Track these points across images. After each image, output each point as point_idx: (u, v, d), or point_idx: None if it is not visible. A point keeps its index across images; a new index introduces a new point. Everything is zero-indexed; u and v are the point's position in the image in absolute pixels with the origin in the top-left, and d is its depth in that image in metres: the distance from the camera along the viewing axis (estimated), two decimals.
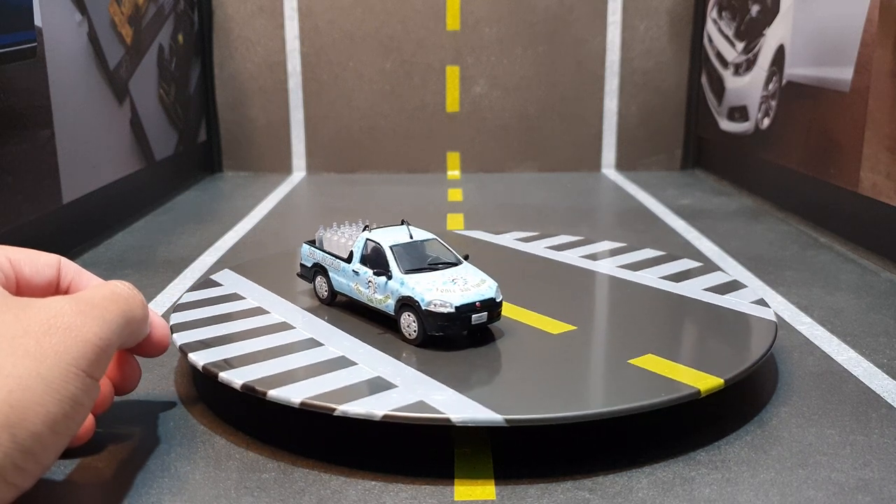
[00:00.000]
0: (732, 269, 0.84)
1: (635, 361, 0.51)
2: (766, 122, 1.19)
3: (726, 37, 1.35)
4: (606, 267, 0.73)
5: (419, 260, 0.57)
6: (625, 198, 1.24)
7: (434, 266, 0.57)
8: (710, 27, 1.41)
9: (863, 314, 0.70)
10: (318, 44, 1.44)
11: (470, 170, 1.49)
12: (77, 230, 0.94)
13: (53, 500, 0.42)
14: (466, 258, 0.59)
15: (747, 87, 1.26)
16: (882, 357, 0.61)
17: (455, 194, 1.27)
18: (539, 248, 0.80)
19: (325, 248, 0.63)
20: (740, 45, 1.29)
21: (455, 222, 1.06)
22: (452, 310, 0.53)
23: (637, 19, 1.45)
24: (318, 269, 0.63)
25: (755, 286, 0.78)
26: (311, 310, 0.62)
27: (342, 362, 0.51)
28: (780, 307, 0.72)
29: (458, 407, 0.45)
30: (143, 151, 1.16)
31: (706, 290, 0.66)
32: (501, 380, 0.50)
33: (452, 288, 0.54)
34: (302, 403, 0.45)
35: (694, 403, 0.51)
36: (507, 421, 0.43)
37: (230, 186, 1.36)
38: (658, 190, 1.30)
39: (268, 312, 0.61)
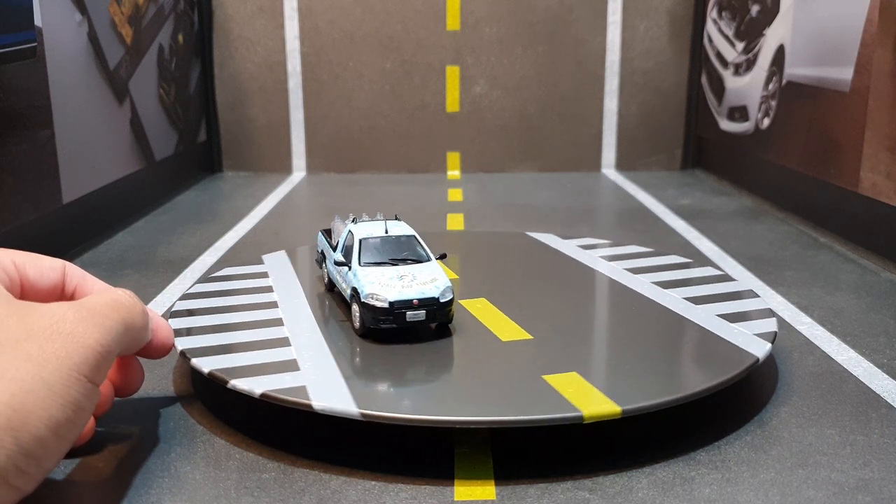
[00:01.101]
0: (732, 269, 0.84)
1: (549, 378, 0.48)
2: (766, 122, 1.19)
3: (726, 37, 1.35)
4: (635, 281, 0.68)
5: (384, 254, 0.58)
6: (625, 198, 1.24)
7: (396, 261, 0.58)
8: (710, 27, 1.41)
9: (863, 314, 0.70)
10: (318, 44, 1.44)
11: (470, 170, 1.49)
12: (77, 230, 0.94)
13: (54, 500, 0.42)
14: (442, 257, 0.60)
15: (747, 87, 1.26)
16: (882, 357, 0.61)
17: (455, 194, 1.27)
18: (592, 255, 0.76)
19: (332, 237, 0.66)
20: (740, 45, 1.29)
21: (455, 222, 1.06)
22: (387, 304, 0.54)
23: (637, 19, 1.45)
24: (323, 257, 0.67)
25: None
26: (314, 298, 0.64)
27: (283, 343, 0.54)
28: (780, 307, 0.72)
29: (329, 396, 0.46)
30: (143, 151, 1.16)
31: (719, 315, 0.60)
32: (400, 377, 0.50)
33: (395, 284, 0.55)
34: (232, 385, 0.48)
35: (694, 404, 0.51)
36: (363, 415, 0.44)
37: (230, 186, 1.36)
38: (658, 190, 1.30)
39: (271, 305, 0.63)
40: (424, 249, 0.60)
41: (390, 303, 0.54)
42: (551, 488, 0.43)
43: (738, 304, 0.62)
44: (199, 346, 0.54)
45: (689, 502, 0.41)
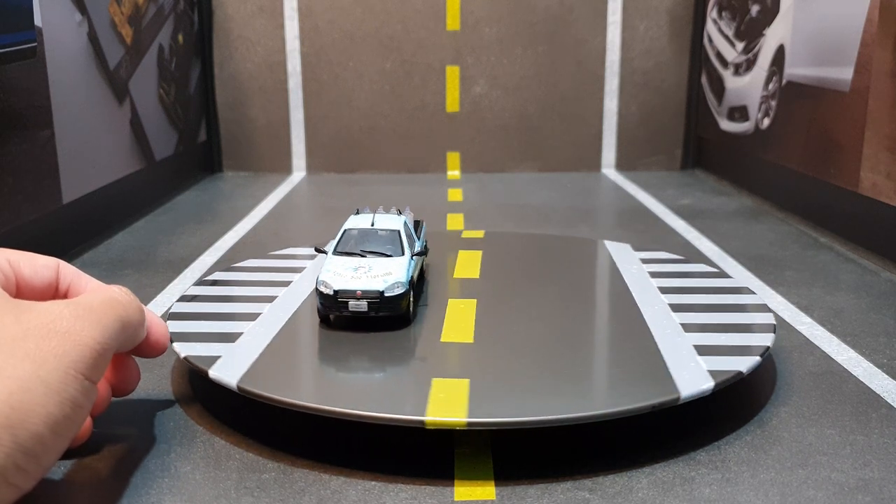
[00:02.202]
0: (732, 269, 0.84)
1: (437, 380, 0.48)
2: (766, 122, 1.19)
3: (726, 37, 1.35)
4: (651, 298, 0.64)
5: (359, 245, 0.61)
6: (625, 198, 1.24)
7: (366, 253, 0.60)
8: (710, 27, 1.41)
9: (863, 314, 0.70)
10: (318, 44, 1.44)
11: (470, 170, 1.49)
12: (77, 230, 0.94)
13: (53, 500, 0.42)
14: (422, 253, 0.63)
15: (747, 87, 1.26)
16: (882, 357, 0.61)
17: (455, 194, 1.27)
18: (640, 269, 0.72)
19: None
20: (740, 45, 1.29)
21: (455, 222, 1.06)
22: (331, 292, 0.56)
23: (637, 19, 1.45)
24: None
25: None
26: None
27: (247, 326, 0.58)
28: (780, 307, 0.72)
29: (226, 369, 0.50)
30: (143, 151, 1.16)
31: (698, 345, 0.54)
32: (288, 359, 0.52)
33: (347, 274, 0.57)
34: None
35: (695, 403, 0.51)
36: (239, 388, 0.48)
37: (230, 186, 1.36)
38: (658, 190, 1.30)
39: (268, 299, 0.64)
40: (402, 244, 0.61)
41: (335, 291, 0.56)
42: (551, 488, 0.43)
43: (738, 329, 0.57)
44: (180, 331, 0.57)
45: (689, 502, 0.41)
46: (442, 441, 0.48)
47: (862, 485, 0.43)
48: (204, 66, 1.44)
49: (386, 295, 0.56)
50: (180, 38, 1.32)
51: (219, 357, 0.52)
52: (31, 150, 0.83)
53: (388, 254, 0.60)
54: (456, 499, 0.42)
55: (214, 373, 0.49)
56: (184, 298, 0.64)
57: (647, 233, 1.00)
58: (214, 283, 0.69)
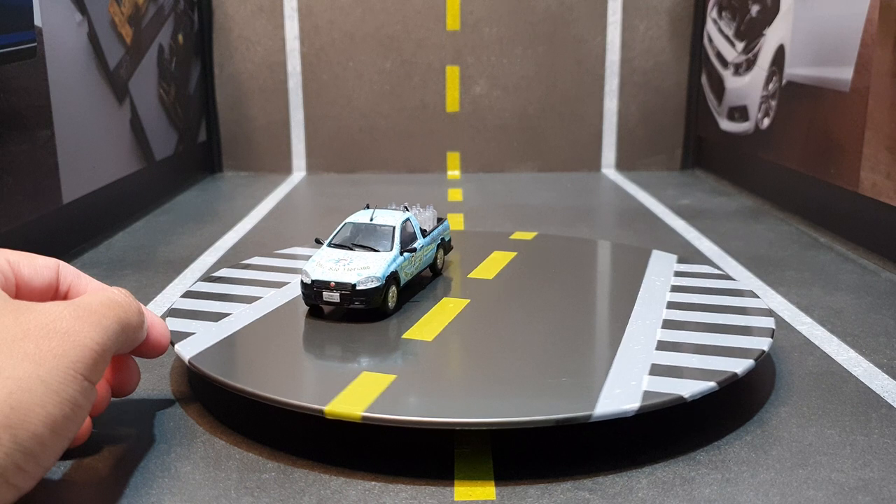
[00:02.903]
0: (732, 269, 0.84)
1: (366, 374, 0.50)
2: (766, 122, 1.19)
3: (726, 37, 1.35)
4: (652, 309, 0.62)
5: (351, 239, 0.63)
6: (625, 198, 1.24)
7: (356, 246, 0.62)
8: (710, 27, 1.41)
9: (863, 314, 0.70)
10: (318, 44, 1.44)
11: (470, 170, 1.49)
12: (77, 230, 0.94)
13: (53, 500, 0.42)
14: (412, 251, 0.63)
15: (747, 87, 1.26)
16: (882, 357, 0.61)
17: (455, 194, 1.27)
18: (665, 281, 0.69)
19: None
20: (740, 45, 1.29)
21: (455, 222, 1.06)
22: (308, 282, 0.59)
23: (637, 19, 1.45)
24: None
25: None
26: None
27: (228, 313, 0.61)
28: (780, 307, 0.72)
29: (188, 346, 0.53)
30: (143, 151, 1.16)
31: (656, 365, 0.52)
32: (255, 349, 0.55)
33: (328, 265, 0.60)
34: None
35: (695, 403, 0.51)
36: (189, 364, 0.51)
37: (230, 186, 1.36)
38: (658, 190, 1.30)
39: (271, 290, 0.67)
40: (394, 240, 0.63)
41: (312, 281, 0.59)
42: (551, 488, 0.43)
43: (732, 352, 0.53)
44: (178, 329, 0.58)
45: (689, 502, 0.41)
46: (442, 441, 0.48)
47: (862, 485, 0.43)
48: (204, 66, 1.44)
49: (358, 288, 0.58)
50: (180, 38, 1.32)
51: (192, 334, 0.56)
52: (31, 150, 0.83)
53: (376, 248, 0.62)
54: (456, 499, 0.42)
55: (179, 347, 0.53)
56: (188, 294, 0.65)
57: (647, 233, 1.00)
58: (219, 278, 0.70)
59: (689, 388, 0.47)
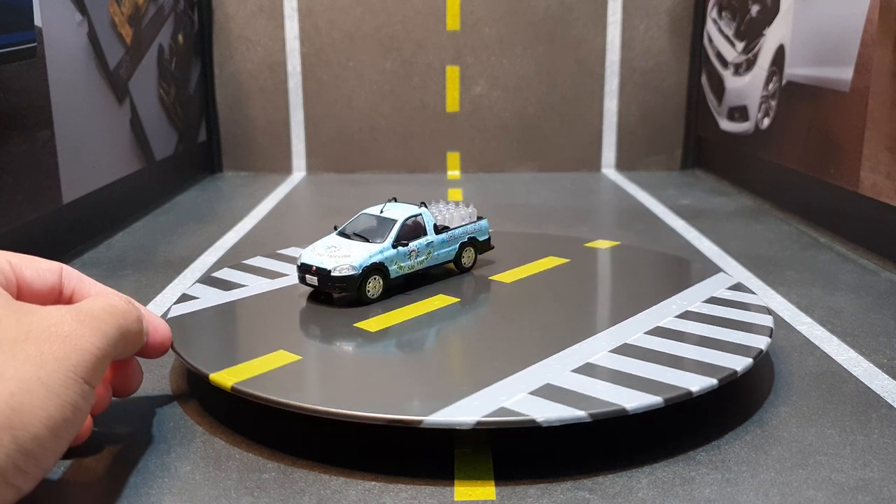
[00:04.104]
0: (732, 269, 0.84)
1: (274, 353, 0.53)
2: (766, 122, 1.19)
3: (726, 37, 1.35)
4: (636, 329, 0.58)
5: (355, 228, 0.67)
6: (625, 198, 1.24)
7: (356, 236, 0.66)
8: (710, 27, 1.41)
9: (863, 314, 0.70)
10: (318, 44, 1.44)
11: (470, 170, 1.49)
12: (77, 230, 0.94)
13: (53, 500, 0.42)
14: (405, 244, 0.65)
15: (747, 87, 1.26)
16: (882, 357, 0.61)
17: (455, 194, 1.27)
18: (681, 306, 0.62)
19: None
20: (740, 45, 1.29)
21: None
22: (298, 264, 0.64)
23: (637, 19, 1.45)
24: None
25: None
26: None
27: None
28: (780, 307, 0.72)
29: (187, 343, 0.55)
30: (143, 151, 1.16)
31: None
32: (205, 323, 0.59)
33: (319, 250, 0.64)
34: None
35: (693, 402, 0.51)
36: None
37: (230, 186, 1.36)
38: (658, 190, 1.30)
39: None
40: (390, 234, 0.65)
41: (300, 263, 0.63)
42: (551, 488, 0.43)
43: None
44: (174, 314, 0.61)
45: (689, 502, 0.41)
46: (442, 441, 0.48)
47: (862, 485, 0.43)
48: (204, 66, 1.44)
49: (332, 274, 0.62)
50: (180, 38, 1.32)
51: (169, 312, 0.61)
52: (31, 150, 0.83)
53: (370, 239, 0.65)
54: (456, 499, 0.42)
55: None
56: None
57: (647, 233, 1.00)
58: (217, 279, 0.71)
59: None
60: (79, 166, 0.94)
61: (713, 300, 0.63)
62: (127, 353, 0.46)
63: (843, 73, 0.95)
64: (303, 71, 1.45)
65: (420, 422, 0.43)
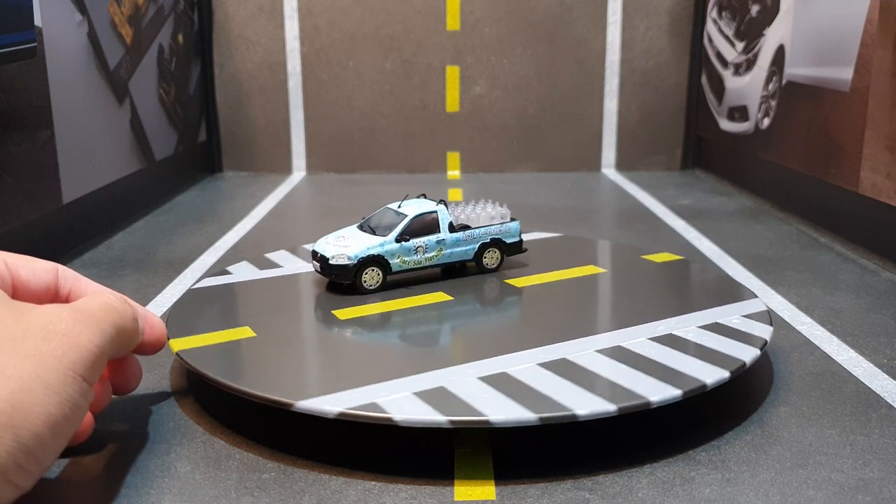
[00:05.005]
0: (732, 269, 0.84)
1: (236, 329, 0.57)
2: (766, 122, 1.19)
3: (726, 37, 1.35)
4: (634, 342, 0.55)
5: (371, 222, 0.69)
6: (625, 198, 1.24)
7: (369, 229, 0.68)
8: (710, 27, 1.41)
9: (863, 314, 0.70)
10: (318, 44, 1.44)
11: (470, 170, 1.49)
12: (77, 230, 0.94)
13: (53, 500, 0.42)
14: (407, 239, 0.67)
15: (747, 87, 1.26)
16: (882, 357, 0.61)
17: (455, 194, 1.27)
18: (668, 328, 0.58)
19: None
20: (740, 45, 1.29)
21: None
22: (311, 251, 0.68)
23: (637, 19, 1.45)
24: None
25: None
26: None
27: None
28: (780, 307, 0.72)
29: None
30: (143, 151, 1.16)
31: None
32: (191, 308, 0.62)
33: (329, 239, 0.67)
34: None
35: (696, 404, 0.51)
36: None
37: (230, 186, 1.36)
38: (658, 190, 1.30)
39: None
40: (398, 228, 0.67)
41: (312, 251, 0.68)
42: (551, 488, 0.43)
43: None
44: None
45: (689, 502, 0.41)
46: (442, 441, 0.48)
47: (862, 485, 0.43)
48: (204, 66, 1.44)
49: (329, 262, 0.65)
50: (180, 38, 1.32)
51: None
52: (31, 150, 0.83)
53: (377, 233, 0.67)
54: (456, 499, 0.42)
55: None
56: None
57: (647, 233, 1.00)
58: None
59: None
60: (79, 166, 0.94)
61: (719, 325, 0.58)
62: (124, 350, 0.46)
63: (843, 73, 0.95)
64: (303, 71, 1.45)
65: (291, 405, 0.46)
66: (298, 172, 1.49)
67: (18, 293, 0.45)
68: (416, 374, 0.49)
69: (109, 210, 1.03)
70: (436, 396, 0.46)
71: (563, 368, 0.50)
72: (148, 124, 1.18)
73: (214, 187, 1.35)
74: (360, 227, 0.69)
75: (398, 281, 0.68)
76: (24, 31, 0.82)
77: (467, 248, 0.70)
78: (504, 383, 0.48)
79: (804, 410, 0.52)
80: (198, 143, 1.42)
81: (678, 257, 0.77)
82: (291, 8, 1.43)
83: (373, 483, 0.43)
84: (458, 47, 1.45)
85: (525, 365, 0.51)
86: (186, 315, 0.60)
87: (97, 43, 1.01)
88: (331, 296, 0.65)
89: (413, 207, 0.68)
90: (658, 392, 0.46)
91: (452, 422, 0.43)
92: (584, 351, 0.53)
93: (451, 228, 0.69)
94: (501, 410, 0.44)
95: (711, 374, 0.49)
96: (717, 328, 0.57)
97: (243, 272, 0.72)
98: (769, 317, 0.59)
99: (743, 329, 0.57)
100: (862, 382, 0.56)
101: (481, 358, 0.52)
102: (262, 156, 1.49)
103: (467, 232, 0.70)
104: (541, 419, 0.44)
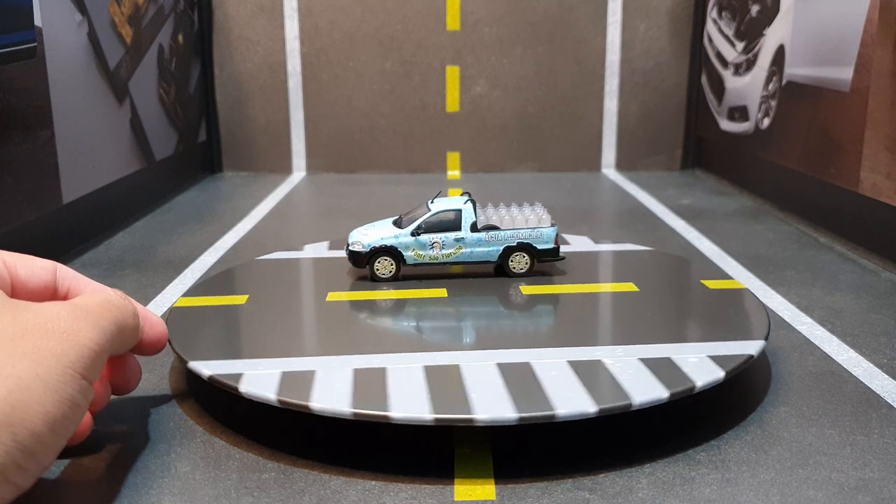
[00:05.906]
0: (732, 269, 0.84)
1: (235, 297, 0.63)
2: (766, 122, 1.19)
3: (726, 37, 1.35)
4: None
5: (409, 216, 0.71)
6: (625, 198, 1.24)
7: (398, 223, 0.71)
8: (710, 27, 1.41)
9: (863, 314, 0.70)
10: (318, 44, 1.44)
11: (470, 170, 1.49)
12: (77, 230, 0.94)
13: (53, 499, 0.42)
14: (417, 234, 0.68)
15: (747, 87, 1.26)
16: (882, 357, 0.61)
17: (455, 194, 1.27)
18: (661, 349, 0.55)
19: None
20: (740, 45, 1.29)
21: None
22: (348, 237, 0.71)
23: (637, 19, 1.45)
24: None
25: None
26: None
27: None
28: (780, 307, 0.72)
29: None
30: (143, 151, 1.16)
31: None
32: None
33: (362, 229, 0.71)
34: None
35: (693, 402, 0.51)
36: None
37: (230, 186, 1.36)
38: (658, 190, 1.30)
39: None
40: (416, 223, 0.69)
41: (348, 237, 0.71)
42: (551, 488, 0.43)
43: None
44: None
45: (689, 502, 0.41)
46: (442, 441, 0.48)
47: (862, 485, 0.43)
48: (204, 66, 1.44)
49: (349, 249, 0.69)
50: (180, 38, 1.32)
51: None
52: (31, 150, 0.83)
53: (401, 226, 0.70)
54: (456, 499, 0.42)
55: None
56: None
57: (647, 233, 1.00)
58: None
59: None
60: (79, 166, 0.94)
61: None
62: (123, 348, 0.46)
63: (843, 73, 0.95)
64: (303, 71, 1.45)
65: (235, 388, 0.47)
66: (298, 172, 1.49)
67: (17, 292, 0.45)
68: (355, 366, 0.51)
69: (109, 210, 1.03)
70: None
71: (525, 373, 0.49)
72: (148, 124, 1.18)
73: (214, 187, 1.35)
74: (396, 220, 0.72)
75: (416, 274, 0.70)
76: (24, 31, 0.82)
77: (490, 249, 0.69)
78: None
79: (804, 410, 0.52)
80: (198, 143, 1.42)
81: (741, 285, 0.67)
82: (291, 8, 1.43)
83: (373, 483, 0.43)
84: (458, 47, 1.45)
85: (481, 362, 0.51)
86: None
87: (97, 43, 1.01)
88: (341, 278, 0.69)
89: (440, 203, 0.70)
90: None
91: (356, 414, 0.44)
92: (553, 359, 0.51)
93: (475, 228, 0.68)
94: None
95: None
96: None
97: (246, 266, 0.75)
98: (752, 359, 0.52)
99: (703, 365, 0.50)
100: (862, 382, 0.56)
101: (429, 350, 0.53)
102: (262, 156, 1.49)
103: (491, 233, 0.68)
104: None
